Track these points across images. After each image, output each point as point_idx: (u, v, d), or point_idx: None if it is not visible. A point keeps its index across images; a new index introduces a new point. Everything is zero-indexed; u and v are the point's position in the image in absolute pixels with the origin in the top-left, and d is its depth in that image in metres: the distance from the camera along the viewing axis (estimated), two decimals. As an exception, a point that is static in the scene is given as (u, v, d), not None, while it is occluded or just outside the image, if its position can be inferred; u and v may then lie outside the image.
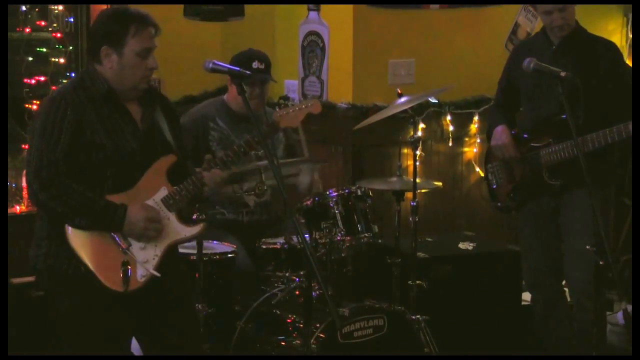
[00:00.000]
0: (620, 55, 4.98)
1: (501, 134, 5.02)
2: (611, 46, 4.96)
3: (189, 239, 4.00)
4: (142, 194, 3.83)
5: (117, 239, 3.77)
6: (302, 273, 4.66)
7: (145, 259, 3.79)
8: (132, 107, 3.87)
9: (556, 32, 4.89)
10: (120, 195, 3.78)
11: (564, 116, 4.68)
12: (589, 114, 4.69)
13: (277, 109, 4.08)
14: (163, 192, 3.86)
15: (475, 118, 6.36)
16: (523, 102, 5.11)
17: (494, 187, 5.17)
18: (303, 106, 4.03)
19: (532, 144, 4.94)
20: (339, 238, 4.65)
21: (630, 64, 6.58)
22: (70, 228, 3.73)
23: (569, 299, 5.14)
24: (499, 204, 5.17)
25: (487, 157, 5.25)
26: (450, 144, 6.35)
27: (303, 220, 4.67)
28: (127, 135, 3.81)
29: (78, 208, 3.71)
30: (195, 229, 3.93)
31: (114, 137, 3.77)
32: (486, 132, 5.29)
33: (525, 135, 4.99)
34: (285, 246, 4.72)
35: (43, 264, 3.82)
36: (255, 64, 5.19)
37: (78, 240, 3.73)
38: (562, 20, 4.83)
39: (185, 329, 3.97)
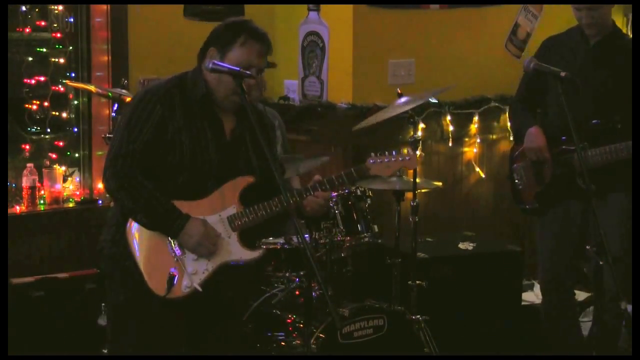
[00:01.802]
0: None
1: (536, 136, 4.88)
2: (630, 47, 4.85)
3: (245, 262, 3.89)
4: (209, 207, 3.80)
5: (172, 245, 3.76)
6: (302, 273, 4.67)
7: (195, 271, 3.77)
8: (227, 118, 3.85)
9: (586, 30, 4.79)
10: (189, 203, 3.76)
11: (596, 121, 4.65)
12: (625, 118, 4.64)
13: (372, 155, 3.95)
14: (231, 210, 3.83)
15: (475, 118, 6.37)
16: (553, 101, 4.93)
17: (520, 188, 5.07)
18: (400, 159, 3.93)
19: (564, 147, 4.83)
20: (339, 238, 4.65)
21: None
22: (133, 222, 3.74)
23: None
24: (527, 206, 5.07)
25: (513, 157, 5.13)
26: (450, 144, 6.35)
27: (303, 221, 4.66)
28: (210, 145, 3.78)
29: (143, 204, 3.70)
30: (253, 254, 3.87)
31: (196, 144, 3.75)
32: (513, 131, 5.16)
33: (563, 138, 4.83)
34: (286, 246, 4.72)
35: (108, 250, 3.83)
36: None
37: (137, 235, 3.74)
38: (590, 19, 4.74)
39: (229, 343, 3.97)
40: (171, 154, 3.72)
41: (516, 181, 5.09)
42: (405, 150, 4.05)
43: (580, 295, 5.86)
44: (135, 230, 3.75)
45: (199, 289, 3.76)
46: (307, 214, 3.92)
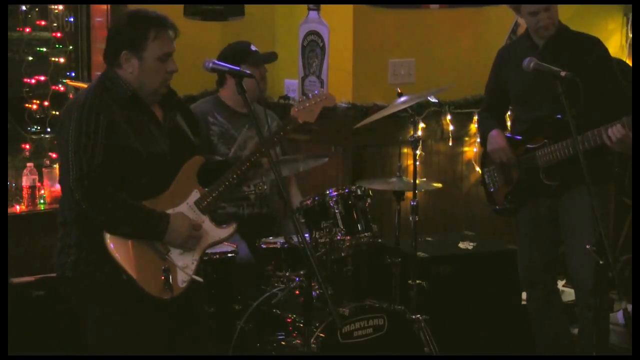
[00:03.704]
0: (606, 50, 4.95)
1: (496, 137, 5.02)
2: (596, 42, 4.93)
3: (222, 241, 4.00)
4: (175, 198, 3.83)
5: (156, 245, 3.76)
6: (302, 273, 4.67)
7: (185, 264, 3.80)
8: (155, 110, 3.87)
9: (542, 33, 4.87)
10: (155, 200, 3.77)
11: (559, 116, 4.69)
12: (583, 112, 4.67)
13: (293, 104, 4.09)
14: (195, 195, 3.86)
15: (476, 118, 6.35)
16: (514, 105, 5.12)
17: (492, 190, 5.17)
18: (318, 99, 4.05)
19: (528, 146, 4.94)
20: (339, 237, 4.65)
21: (631, 64, 6.58)
22: (108, 235, 3.70)
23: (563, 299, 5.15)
24: (497, 207, 5.17)
25: (483, 161, 5.26)
26: (450, 144, 6.35)
27: (303, 220, 4.67)
28: (157, 138, 3.80)
29: (121, 217, 3.68)
30: (228, 230, 3.95)
31: (145, 141, 3.76)
32: (480, 137, 5.29)
33: (518, 137, 4.98)
34: (286, 246, 4.72)
35: (72, 272, 3.78)
36: (253, 47, 5.29)
37: (117, 247, 3.70)
38: (548, 20, 4.83)
39: (193, 331, 4.00)
40: (128, 157, 3.70)
41: (487, 183, 5.18)
42: (320, 92, 4.14)
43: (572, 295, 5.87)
44: (113, 244, 3.70)
45: (199, 278, 3.80)
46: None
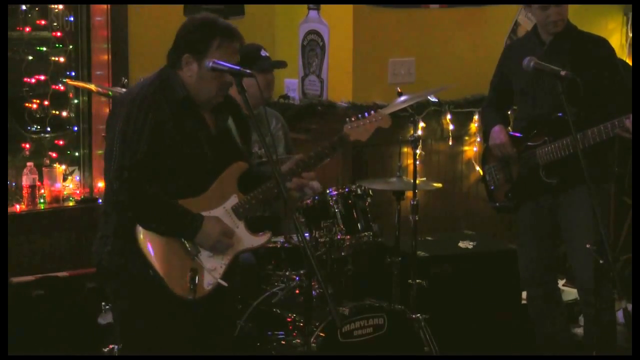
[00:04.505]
0: (612, 50, 4.97)
1: (498, 133, 5.02)
2: (602, 42, 4.96)
3: (255, 248, 3.99)
4: (212, 201, 3.82)
5: (187, 245, 3.76)
6: (302, 272, 4.67)
7: (213, 267, 3.79)
8: (206, 114, 3.87)
9: (550, 29, 4.88)
10: (191, 200, 3.77)
11: (560, 114, 4.69)
12: (584, 110, 4.68)
13: (347, 120, 4.03)
14: (234, 200, 3.86)
15: (475, 117, 6.36)
16: (517, 101, 5.12)
17: (492, 187, 5.17)
18: (374, 119, 3.99)
19: (529, 143, 4.94)
20: (339, 237, 4.65)
21: (631, 64, 6.58)
22: (141, 230, 3.71)
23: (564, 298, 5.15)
24: (497, 204, 5.17)
25: (484, 158, 5.26)
26: (450, 143, 6.35)
27: (303, 219, 4.66)
28: (202, 142, 3.80)
29: (156, 212, 3.70)
30: (262, 239, 3.92)
31: (190, 143, 3.76)
32: (482, 132, 5.29)
33: (519, 135, 4.99)
34: (286, 245, 4.71)
35: (108, 262, 3.80)
36: (263, 52, 5.22)
37: (148, 243, 3.72)
38: (557, 16, 4.84)
39: (219, 342, 4.00)
40: (170, 157, 3.72)
41: (488, 181, 5.17)
42: (378, 111, 4.07)
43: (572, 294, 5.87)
44: (145, 238, 3.72)
45: (224, 283, 3.78)
46: (292, 197, 3.95)
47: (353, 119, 4.04)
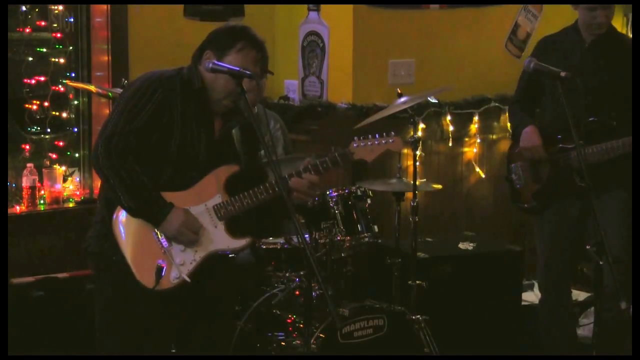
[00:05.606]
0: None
1: (531, 135, 4.91)
2: (630, 46, 4.88)
3: (232, 251, 3.94)
4: (195, 197, 3.82)
5: (159, 236, 3.76)
6: (302, 273, 4.67)
7: (182, 262, 3.78)
8: (216, 117, 3.89)
9: (594, 30, 4.82)
10: (174, 193, 3.78)
11: (592, 118, 4.65)
12: (622, 116, 4.64)
13: (356, 139, 3.96)
14: (217, 199, 3.85)
15: (475, 118, 6.36)
16: (550, 101, 4.97)
17: (518, 187, 5.08)
18: (383, 141, 3.94)
19: (562, 145, 4.86)
20: (339, 238, 4.65)
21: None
22: (120, 214, 3.72)
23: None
24: (525, 205, 5.07)
25: (511, 156, 5.14)
26: (450, 144, 6.35)
27: (303, 220, 4.66)
28: (201, 141, 3.81)
29: (130, 187, 3.69)
30: (239, 242, 3.89)
31: (187, 134, 3.78)
32: (511, 130, 5.17)
33: (559, 136, 4.86)
34: (286, 246, 4.72)
35: (94, 247, 3.84)
36: None
37: (123, 228, 3.74)
38: (605, 18, 4.78)
39: (215, 340, 3.98)
40: (163, 139, 3.73)
41: (514, 180, 5.09)
42: (390, 133, 4.00)
43: (580, 295, 5.87)
44: (121, 223, 3.74)
45: (188, 279, 3.76)
46: (294, 201, 3.91)
47: (362, 138, 3.96)
